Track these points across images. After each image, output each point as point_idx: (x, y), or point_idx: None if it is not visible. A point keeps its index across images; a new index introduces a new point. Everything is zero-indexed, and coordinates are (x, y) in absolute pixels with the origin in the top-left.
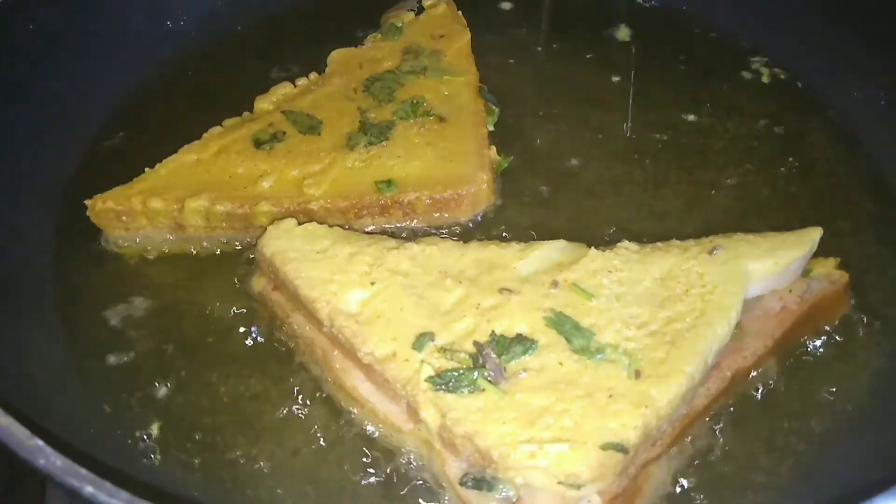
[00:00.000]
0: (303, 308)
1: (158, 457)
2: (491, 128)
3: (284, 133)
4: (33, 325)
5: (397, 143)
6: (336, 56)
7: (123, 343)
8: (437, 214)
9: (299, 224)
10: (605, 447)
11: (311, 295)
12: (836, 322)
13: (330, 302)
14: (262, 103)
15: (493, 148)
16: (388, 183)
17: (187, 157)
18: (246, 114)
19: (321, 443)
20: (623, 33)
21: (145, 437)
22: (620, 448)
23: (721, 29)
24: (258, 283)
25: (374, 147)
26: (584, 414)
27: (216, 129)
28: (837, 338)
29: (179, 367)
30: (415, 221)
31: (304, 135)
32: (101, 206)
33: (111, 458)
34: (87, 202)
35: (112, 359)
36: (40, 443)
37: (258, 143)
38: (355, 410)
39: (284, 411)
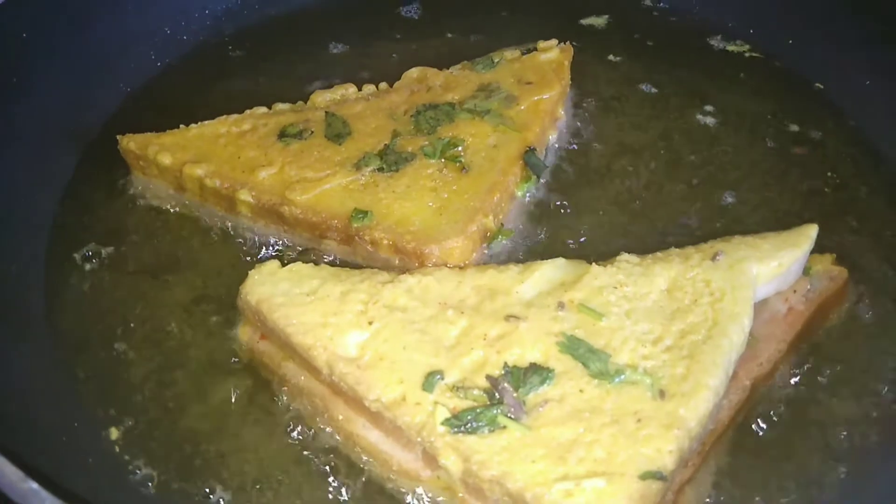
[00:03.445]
0: (296, 356)
1: (154, 489)
2: (520, 193)
3: (312, 133)
4: (24, 357)
5: (403, 178)
6: (412, 73)
7: (121, 366)
8: (398, 259)
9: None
10: (643, 476)
11: (306, 342)
12: (842, 317)
13: (327, 347)
14: (318, 98)
15: (492, 216)
16: (365, 214)
17: (219, 126)
18: (300, 103)
19: (330, 494)
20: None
21: (142, 468)
22: (660, 476)
23: (729, 31)
24: (244, 333)
25: (380, 175)
26: (615, 442)
27: (260, 110)
28: (846, 332)
29: (178, 393)
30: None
31: (328, 140)
32: (125, 146)
33: (108, 494)
34: (119, 137)
35: (109, 386)
36: (35, 485)
37: (282, 135)
38: (365, 459)
39: (287, 451)
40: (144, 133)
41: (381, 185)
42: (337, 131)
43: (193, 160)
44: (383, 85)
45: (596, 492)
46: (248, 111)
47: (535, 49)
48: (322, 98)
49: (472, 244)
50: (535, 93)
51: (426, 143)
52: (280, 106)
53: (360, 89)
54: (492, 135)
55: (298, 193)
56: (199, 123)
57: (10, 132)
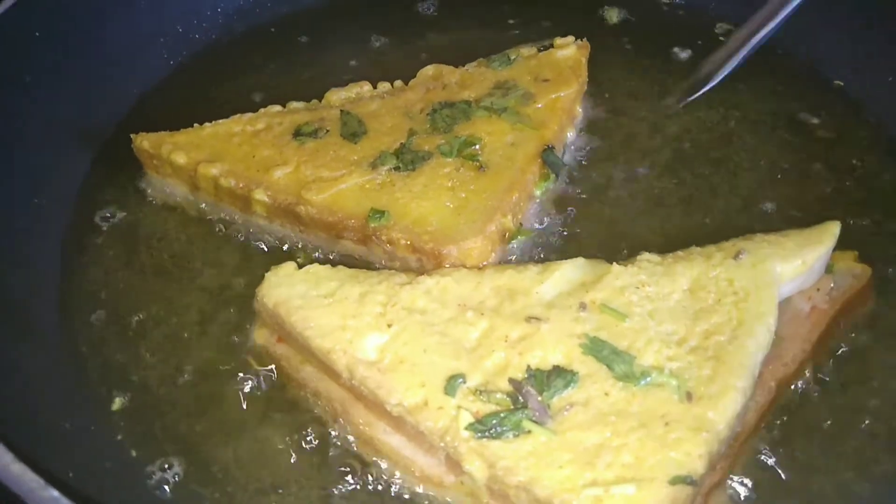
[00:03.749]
0: (315, 360)
1: (171, 492)
2: (538, 192)
3: (327, 131)
4: (38, 359)
5: (420, 177)
6: (428, 70)
7: (136, 368)
8: (416, 259)
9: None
10: (673, 482)
11: (325, 345)
12: (866, 316)
13: (346, 351)
14: (333, 96)
15: (510, 216)
16: (382, 214)
17: (234, 125)
18: (314, 101)
19: (350, 501)
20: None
21: (158, 471)
22: (690, 481)
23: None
24: (260, 336)
25: (397, 174)
26: (644, 447)
27: (275, 108)
28: (871, 332)
29: (195, 396)
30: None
31: (344, 139)
32: (139, 145)
33: (125, 497)
34: (133, 135)
35: (125, 388)
36: (55, 493)
37: (297, 134)
38: (386, 465)
39: (308, 453)
40: (158, 132)
41: (397, 184)
42: (353, 130)
43: (208, 159)
44: (398, 83)
45: (626, 498)
46: (262, 110)
47: (552, 46)
48: (337, 96)
49: (491, 244)
50: (553, 90)
51: (443, 141)
52: (294, 104)
53: (374, 87)
54: (509, 133)
55: (314, 193)
56: (214, 122)
57: (23, 131)
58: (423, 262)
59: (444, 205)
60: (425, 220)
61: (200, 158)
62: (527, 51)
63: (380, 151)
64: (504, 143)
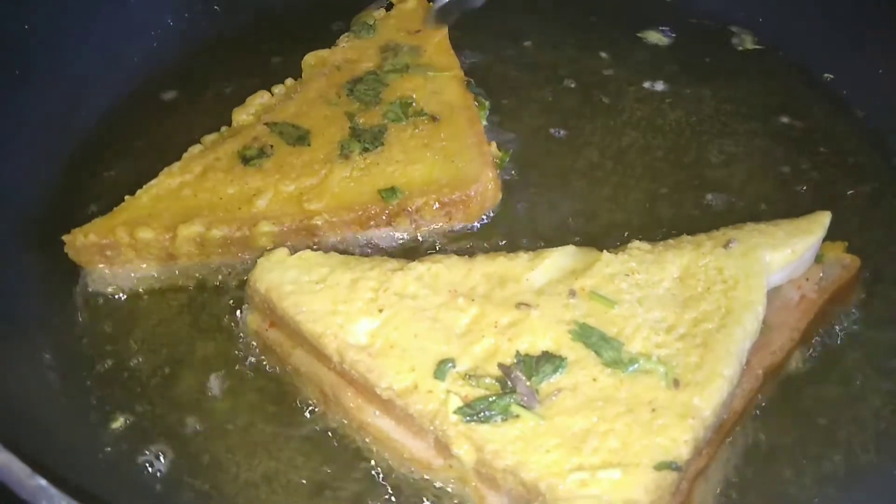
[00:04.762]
0: (306, 344)
1: (161, 484)
2: (484, 122)
3: (272, 146)
4: (27, 363)
5: (393, 147)
6: (311, 59)
7: (126, 362)
8: (446, 217)
9: (293, 251)
10: (658, 467)
11: (316, 330)
12: (854, 306)
13: (337, 335)
14: (241, 115)
15: (493, 143)
16: (392, 190)
17: (170, 180)
18: (225, 128)
19: (340, 482)
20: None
21: (149, 463)
22: (675, 467)
23: (737, 22)
24: (252, 321)
25: (370, 154)
26: (630, 432)
27: (196, 148)
28: (858, 322)
29: (185, 387)
30: (422, 229)
31: (294, 146)
32: (82, 241)
33: (116, 489)
34: (65, 237)
35: (115, 381)
36: (43, 482)
37: (246, 160)
38: (375, 449)
39: (298, 442)
40: (89, 223)
41: (380, 162)
42: (297, 135)
43: (180, 220)
44: (289, 81)
45: (611, 482)
46: (184, 155)
47: (391, 3)
48: (245, 114)
49: (494, 174)
50: (431, 36)
51: (384, 111)
52: (210, 137)
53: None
54: (428, 84)
55: (315, 202)
56: (145, 187)
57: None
58: (451, 215)
59: (435, 160)
60: (432, 179)
61: (169, 223)
62: (377, 13)
63: (338, 142)
64: (431, 92)
